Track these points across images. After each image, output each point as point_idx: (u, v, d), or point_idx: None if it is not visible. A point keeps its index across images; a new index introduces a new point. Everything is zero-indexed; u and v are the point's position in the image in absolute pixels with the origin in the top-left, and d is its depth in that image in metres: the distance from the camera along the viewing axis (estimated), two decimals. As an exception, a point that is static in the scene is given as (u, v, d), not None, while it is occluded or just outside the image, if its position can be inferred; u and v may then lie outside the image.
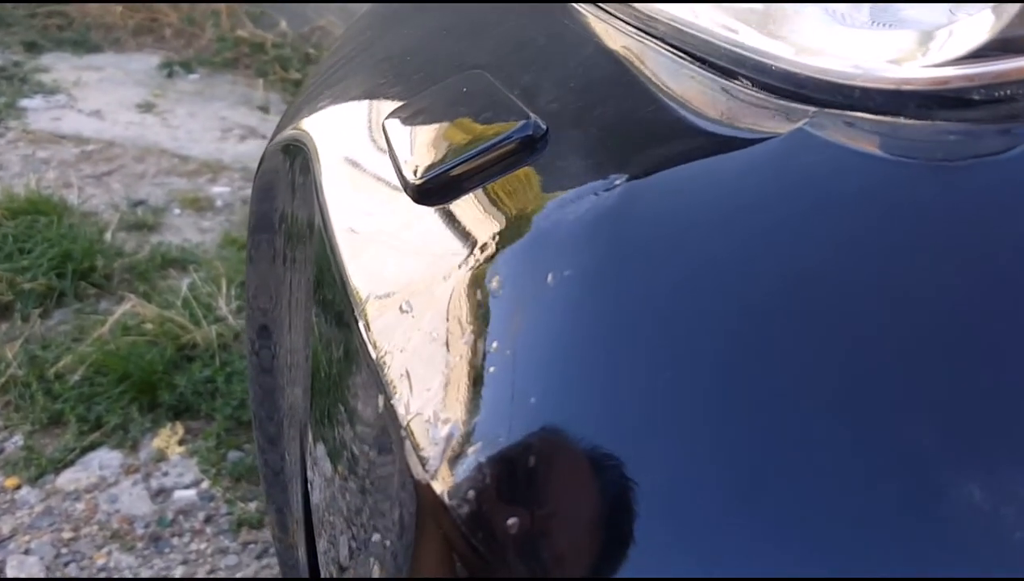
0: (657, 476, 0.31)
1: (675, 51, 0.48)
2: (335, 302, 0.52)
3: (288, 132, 0.77)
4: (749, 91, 0.43)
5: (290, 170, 0.74)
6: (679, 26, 0.48)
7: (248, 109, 3.92)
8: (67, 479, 1.97)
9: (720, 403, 0.32)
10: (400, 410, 0.40)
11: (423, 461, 0.37)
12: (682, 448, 0.32)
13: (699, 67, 0.46)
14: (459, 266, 0.43)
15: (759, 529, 0.29)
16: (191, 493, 1.98)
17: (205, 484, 1.99)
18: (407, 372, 0.41)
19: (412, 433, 0.38)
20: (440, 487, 0.35)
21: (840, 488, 0.30)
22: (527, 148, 0.47)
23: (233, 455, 2.04)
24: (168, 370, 2.21)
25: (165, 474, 2.01)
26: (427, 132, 0.53)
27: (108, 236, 2.75)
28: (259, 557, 1.86)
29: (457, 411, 0.37)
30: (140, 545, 1.85)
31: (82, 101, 3.84)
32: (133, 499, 1.94)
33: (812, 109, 0.39)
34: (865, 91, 0.38)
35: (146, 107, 3.82)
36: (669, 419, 0.32)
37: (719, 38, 0.45)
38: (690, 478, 0.31)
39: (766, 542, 0.29)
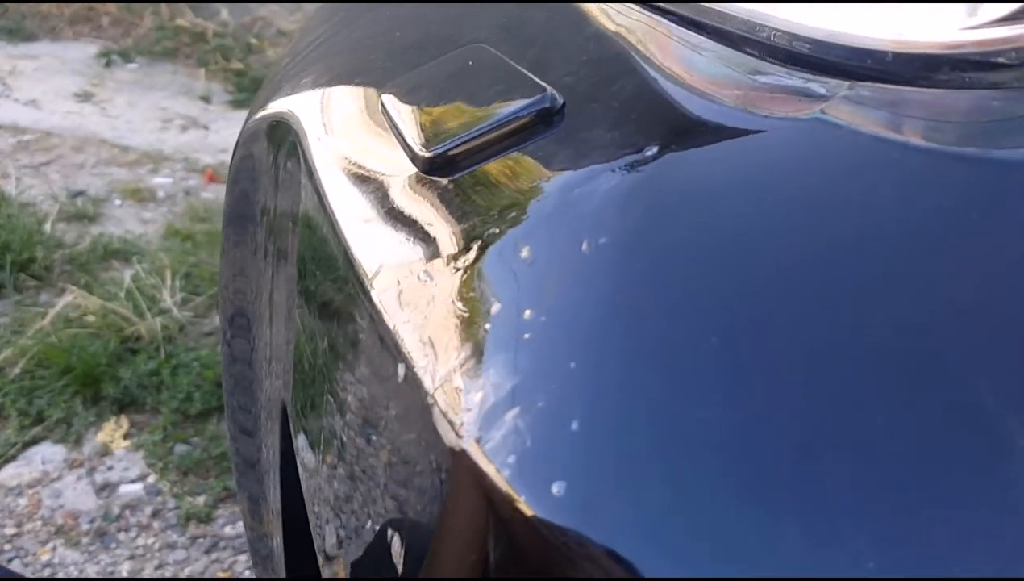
0: (705, 438, 0.31)
1: (694, 25, 0.48)
2: (337, 278, 0.52)
3: (267, 113, 0.76)
4: (776, 64, 0.43)
5: (273, 151, 0.73)
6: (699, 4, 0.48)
7: (189, 99, 3.86)
8: (9, 474, 1.92)
9: (764, 365, 0.32)
10: (425, 379, 0.39)
11: (456, 427, 0.36)
12: (730, 410, 0.32)
13: (721, 40, 0.46)
14: (482, 235, 0.42)
15: (822, 494, 0.29)
16: (137, 487, 1.95)
17: (152, 478, 1.96)
18: (430, 341, 0.40)
19: (441, 401, 0.38)
20: (477, 453, 0.35)
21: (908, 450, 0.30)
22: (543, 121, 0.46)
23: (180, 449, 2.01)
24: (112, 363, 2.17)
25: (110, 468, 1.97)
26: (433, 105, 0.52)
27: (47, 227, 2.69)
28: (208, 552, 1.84)
29: (490, 377, 0.36)
30: (85, 540, 1.82)
31: (17, 90, 3.76)
32: (77, 494, 1.91)
33: (845, 83, 0.40)
34: (898, 56, 0.38)
35: (84, 97, 3.75)
36: (715, 382, 0.32)
37: (739, 12, 0.45)
38: (742, 439, 0.31)
39: (834, 503, 0.29)
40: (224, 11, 4.35)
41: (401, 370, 0.41)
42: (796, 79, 0.41)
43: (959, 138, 0.37)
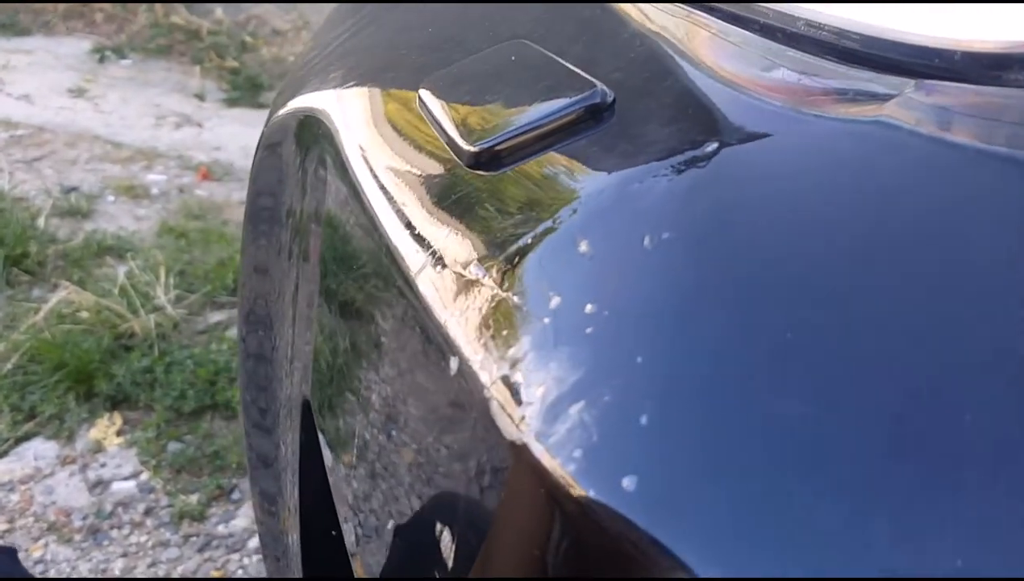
0: (787, 434, 0.31)
1: (746, 23, 0.47)
2: (379, 274, 0.51)
3: (293, 110, 0.76)
4: (836, 62, 0.43)
5: (300, 149, 0.72)
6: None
7: (183, 96, 3.85)
8: (1, 470, 1.91)
9: (846, 361, 0.32)
10: (481, 374, 0.39)
11: (516, 421, 0.36)
12: (811, 406, 0.31)
13: (775, 38, 0.46)
14: (535, 230, 0.42)
15: (908, 490, 0.29)
16: (130, 485, 1.94)
17: (144, 476, 1.95)
18: (485, 336, 0.40)
19: (499, 395, 0.37)
20: (540, 447, 0.35)
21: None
22: (593, 116, 0.46)
23: (173, 446, 2.00)
24: (105, 359, 2.15)
25: (103, 465, 1.96)
26: (476, 100, 0.52)
27: (41, 222, 2.67)
28: (201, 550, 1.83)
29: (551, 371, 0.36)
30: (78, 537, 1.80)
31: (11, 85, 3.73)
32: (70, 490, 1.89)
33: (910, 81, 0.40)
34: (967, 55, 0.38)
35: (77, 92, 3.73)
36: (795, 378, 0.32)
37: (793, 9, 0.45)
38: (827, 434, 0.31)
39: (917, 499, 0.29)
40: (218, 9, 4.34)
41: (454, 364, 0.41)
42: (858, 78, 0.41)
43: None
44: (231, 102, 3.84)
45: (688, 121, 0.44)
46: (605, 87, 0.47)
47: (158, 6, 4.24)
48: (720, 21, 0.50)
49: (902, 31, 0.40)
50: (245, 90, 3.89)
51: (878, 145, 0.38)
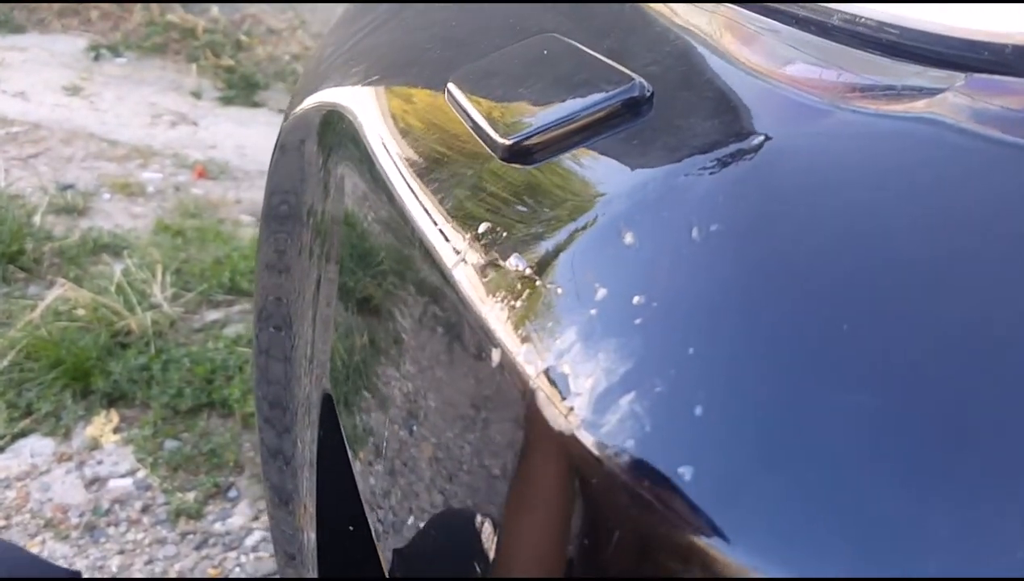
0: (845, 425, 0.31)
1: (787, 17, 0.47)
2: (412, 269, 0.51)
3: (313, 106, 0.76)
4: (883, 55, 0.43)
5: (323, 145, 0.72)
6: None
7: (179, 95, 3.84)
8: (-3, 466, 1.90)
9: (903, 353, 0.32)
10: (527, 366, 0.39)
11: (566, 413, 0.36)
12: (870, 397, 0.31)
13: (817, 32, 0.46)
14: (577, 222, 0.42)
15: (969, 481, 0.29)
16: (127, 482, 1.93)
17: (141, 473, 1.94)
18: (528, 327, 0.40)
19: (545, 387, 0.37)
20: (591, 438, 0.34)
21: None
22: (631, 110, 0.46)
23: (170, 444, 1.99)
24: (102, 356, 2.15)
25: (100, 462, 1.95)
26: (509, 93, 0.52)
27: (37, 219, 2.66)
28: (198, 548, 1.82)
29: (600, 363, 0.36)
30: (75, 534, 1.79)
31: (6, 82, 3.72)
32: (67, 487, 1.89)
33: (958, 75, 0.40)
34: (1018, 48, 0.38)
35: (73, 90, 3.72)
36: (851, 369, 0.32)
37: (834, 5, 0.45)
38: (885, 426, 0.31)
39: (980, 490, 0.29)
40: (214, 8, 4.33)
41: (496, 357, 0.41)
42: (905, 73, 0.41)
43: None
44: (226, 101, 3.83)
45: (730, 115, 0.44)
46: (643, 80, 0.47)
47: (153, 4, 4.23)
48: (754, 15, 0.50)
49: (949, 24, 0.40)
50: (240, 89, 3.88)
51: (927, 140, 0.38)
